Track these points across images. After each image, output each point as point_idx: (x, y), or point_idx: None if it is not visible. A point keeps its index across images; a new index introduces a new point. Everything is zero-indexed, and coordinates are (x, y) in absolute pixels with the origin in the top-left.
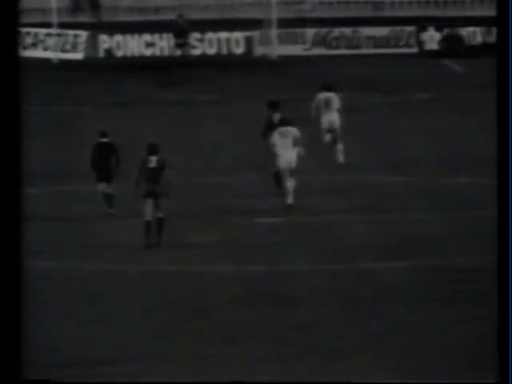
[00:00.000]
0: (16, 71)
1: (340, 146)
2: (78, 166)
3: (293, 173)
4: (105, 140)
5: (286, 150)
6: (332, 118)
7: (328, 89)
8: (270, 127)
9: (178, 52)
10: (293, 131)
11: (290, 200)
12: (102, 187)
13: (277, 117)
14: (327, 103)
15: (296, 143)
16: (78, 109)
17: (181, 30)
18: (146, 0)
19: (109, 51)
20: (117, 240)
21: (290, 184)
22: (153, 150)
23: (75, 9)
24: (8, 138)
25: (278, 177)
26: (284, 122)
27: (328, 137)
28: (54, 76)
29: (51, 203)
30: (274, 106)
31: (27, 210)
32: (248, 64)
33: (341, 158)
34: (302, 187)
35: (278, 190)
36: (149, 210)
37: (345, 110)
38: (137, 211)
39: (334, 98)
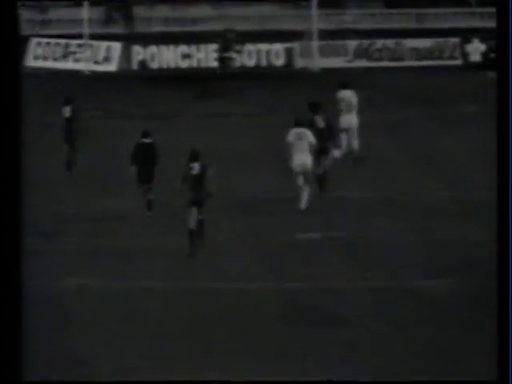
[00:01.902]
0: (17, 82)
1: (355, 143)
2: (110, 179)
3: (308, 178)
4: (147, 140)
5: (301, 152)
6: (352, 119)
7: (344, 86)
8: (315, 132)
9: (221, 66)
10: (308, 135)
11: (303, 205)
12: (143, 188)
13: (319, 120)
14: (348, 103)
15: (311, 148)
16: (111, 121)
17: (228, 44)
18: (183, 10)
19: (143, 63)
20: (154, 255)
21: (305, 192)
22: (195, 156)
23: (108, 20)
24: (7, 149)
25: (320, 180)
26: (299, 124)
27: (344, 138)
28: (86, 88)
29: (83, 219)
30: (315, 107)
31: (56, 226)
32: (288, 76)
33: (337, 153)
34: (343, 202)
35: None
36: (193, 218)
37: (388, 124)
38: (174, 224)
39: (353, 97)
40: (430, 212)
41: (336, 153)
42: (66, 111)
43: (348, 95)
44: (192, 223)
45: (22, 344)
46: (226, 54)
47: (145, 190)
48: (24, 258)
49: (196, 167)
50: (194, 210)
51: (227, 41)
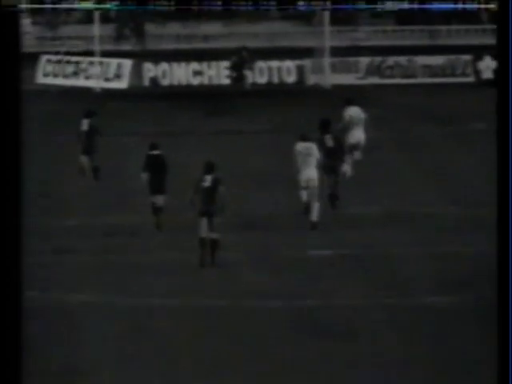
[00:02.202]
0: (17, 100)
1: (357, 155)
2: (122, 198)
3: (314, 194)
4: (155, 152)
5: (309, 167)
6: (361, 135)
7: (350, 103)
8: (324, 151)
9: (235, 84)
10: (315, 150)
11: (315, 217)
12: (155, 199)
13: (328, 139)
14: (356, 119)
15: (316, 161)
16: (121, 138)
17: (242, 62)
18: (194, 27)
19: (154, 80)
20: (165, 273)
21: (314, 205)
22: (209, 168)
23: (119, 37)
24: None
25: (331, 199)
26: (304, 138)
27: (354, 155)
28: (97, 105)
29: (89, 235)
30: (325, 126)
31: (66, 243)
32: (300, 93)
33: (348, 170)
34: (355, 218)
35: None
36: (204, 227)
37: (400, 140)
38: (185, 238)
39: (361, 113)
40: (442, 228)
41: (347, 169)
42: (85, 124)
43: (355, 111)
44: (203, 232)
45: (23, 354)
46: (240, 72)
47: (156, 201)
48: (24, 259)
49: (208, 179)
50: (205, 221)
51: (241, 58)
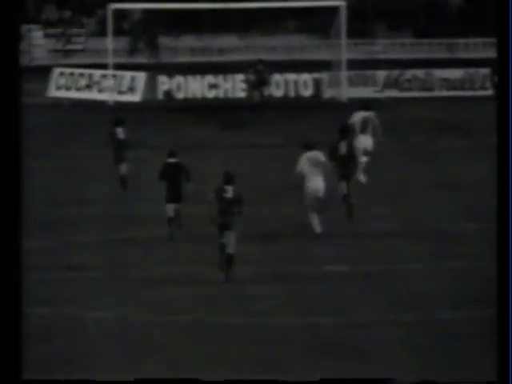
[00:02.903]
0: (17, 114)
1: (365, 161)
2: (135, 211)
3: (319, 205)
4: (173, 160)
5: (315, 177)
6: (367, 140)
7: (366, 108)
8: (337, 158)
9: (253, 97)
10: (320, 158)
11: (318, 229)
12: (170, 208)
13: (343, 146)
14: (364, 124)
15: (324, 169)
16: (136, 152)
17: (260, 75)
18: (209, 40)
19: (168, 93)
20: (177, 289)
21: (317, 220)
22: (229, 179)
23: (132, 50)
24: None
25: (347, 206)
26: (309, 147)
27: (364, 159)
28: (110, 118)
29: (103, 252)
30: (344, 132)
31: (78, 261)
32: (316, 106)
33: (362, 178)
34: (372, 233)
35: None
36: (228, 241)
37: (418, 154)
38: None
39: (373, 118)
40: (457, 243)
41: (361, 177)
42: (119, 132)
43: (364, 116)
44: (231, 249)
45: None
46: (258, 85)
47: (172, 210)
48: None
49: (230, 190)
50: (227, 234)
51: (259, 72)
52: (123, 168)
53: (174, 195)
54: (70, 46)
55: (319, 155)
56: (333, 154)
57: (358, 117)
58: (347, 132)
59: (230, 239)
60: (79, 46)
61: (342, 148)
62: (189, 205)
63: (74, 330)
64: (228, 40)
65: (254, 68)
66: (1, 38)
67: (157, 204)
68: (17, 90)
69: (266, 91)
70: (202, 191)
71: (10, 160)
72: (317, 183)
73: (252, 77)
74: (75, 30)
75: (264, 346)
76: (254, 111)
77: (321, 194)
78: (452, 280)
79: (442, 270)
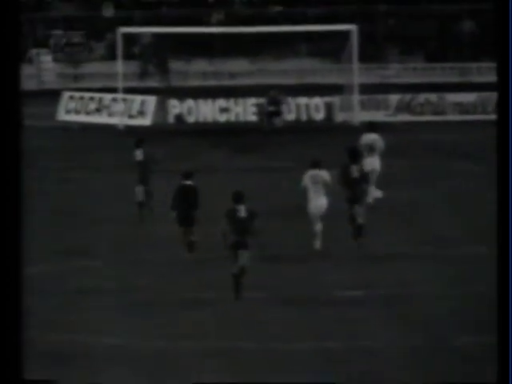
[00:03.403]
0: (17, 135)
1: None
2: (143, 236)
3: (320, 217)
4: (188, 182)
5: (318, 196)
6: (375, 162)
7: (373, 130)
8: (348, 181)
9: (268, 122)
10: (323, 176)
11: (317, 245)
12: (181, 231)
13: (354, 169)
14: (372, 146)
15: (327, 188)
16: None
17: (275, 100)
18: (220, 65)
19: (179, 117)
20: (190, 313)
21: (318, 227)
22: (239, 198)
23: (143, 74)
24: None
25: (357, 229)
26: (315, 165)
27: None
28: (120, 143)
29: (115, 275)
30: (355, 155)
31: (88, 283)
32: (328, 130)
33: (377, 193)
34: (387, 259)
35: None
36: (243, 258)
37: (431, 178)
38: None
39: (379, 140)
40: (470, 266)
41: (376, 193)
42: (139, 154)
43: (371, 138)
44: (242, 262)
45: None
46: (273, 110)
47: (185, 233)
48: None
49: (243, 210)
50: (241, 253)
51: (274, 97)
52: (139, 191)
53: (186, 218)
54: (79, 70)
55: (324, 174)
56: (343, 177)
57: (365, 139)
58: (357, 155)
59: (245, 259)
60: (89, 70)
61: (353, 171)
62: (200, 228)
63: (86, 356)
64: (239, 64)
65: (268, 96)
66: (2, 57)
67: (168, 227)
68: (17, 112)
69: (279, 122)
70: (213, 215)
71: (12, 182)
72: (319, 202)
73: (265, 106)
74: (84, 54)
75: (276, 370)
76: (265, 135)
77: (323, 210)
78: (469, 304)
79: (455, 293)
